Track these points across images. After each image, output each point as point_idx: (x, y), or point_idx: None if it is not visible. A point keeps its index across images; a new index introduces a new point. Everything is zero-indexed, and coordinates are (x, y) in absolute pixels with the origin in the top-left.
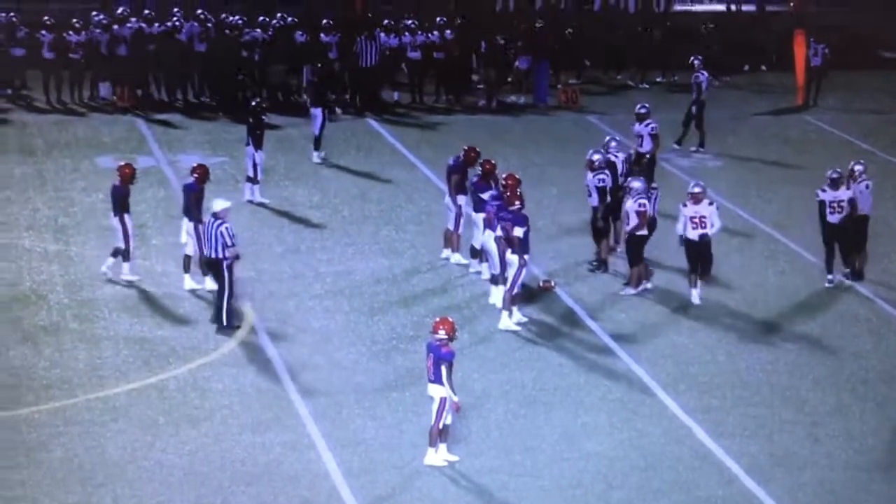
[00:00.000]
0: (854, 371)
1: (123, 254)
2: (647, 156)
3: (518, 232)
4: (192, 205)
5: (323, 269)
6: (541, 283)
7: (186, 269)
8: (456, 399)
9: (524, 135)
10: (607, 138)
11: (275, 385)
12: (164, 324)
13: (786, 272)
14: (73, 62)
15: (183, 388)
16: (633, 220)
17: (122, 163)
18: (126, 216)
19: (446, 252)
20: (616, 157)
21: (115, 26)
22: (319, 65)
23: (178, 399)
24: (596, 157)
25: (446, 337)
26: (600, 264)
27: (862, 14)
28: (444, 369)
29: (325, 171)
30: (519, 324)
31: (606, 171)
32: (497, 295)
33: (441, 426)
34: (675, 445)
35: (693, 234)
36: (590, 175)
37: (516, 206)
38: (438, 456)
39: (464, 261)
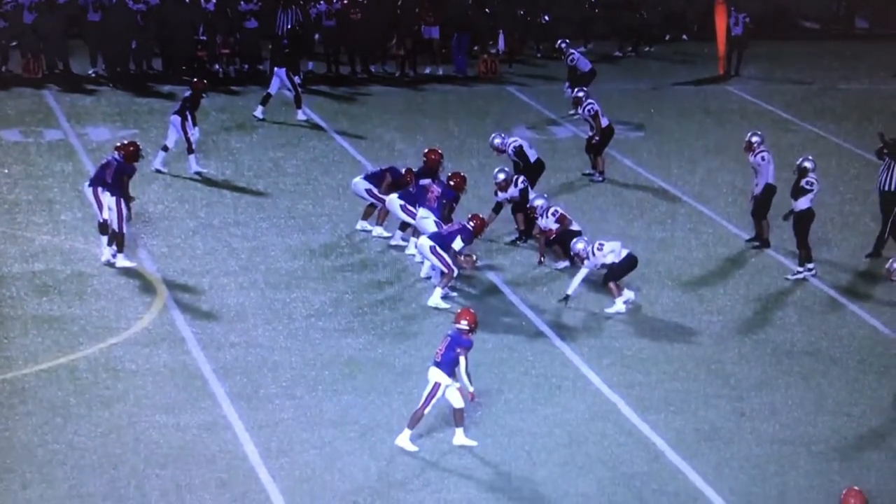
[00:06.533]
0: (779, 344)
1: (104, 228)
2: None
3: (457, 245)
4: (125, 184)
5: (237, 244)
6: (462, 258)
7: (120, 246)
8: (472, 389)
9: (442, 106)
10: (492, 134)
11: (189, 365)
12: (74, 302)
13: (709, 244)
14: None
15: (94, 368)
16: (554, 227)
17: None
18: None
19: (362, 223)
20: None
21: None
22: (290, 28)
23: (89, 380)
24: (501, 175)
25: (467, 327)
26: (521, 235)
27: None
28: (461, 358)
29: (238, 144)
30: (446, 298)
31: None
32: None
33: (426, 411)
34: (600, 421)
35: None
36: (509, 190)
37: (471, 226)
38: (405, 438)
39: (385, 234)
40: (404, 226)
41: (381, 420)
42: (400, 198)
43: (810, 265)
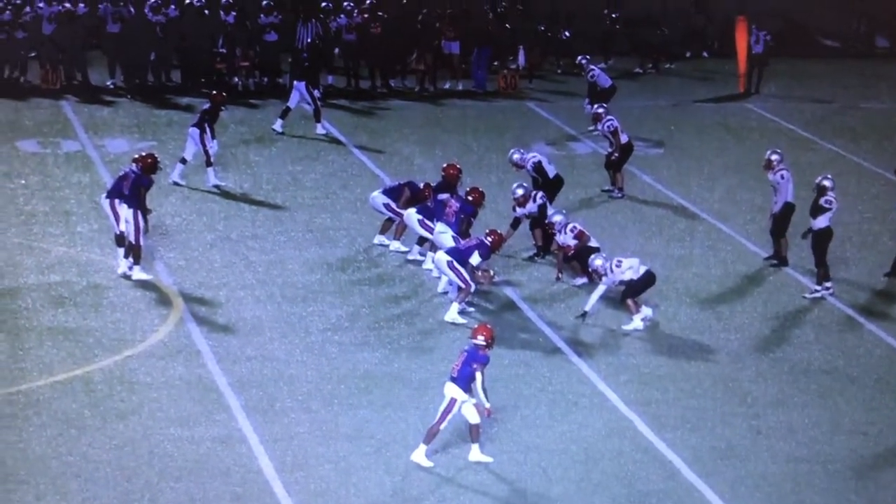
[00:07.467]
0: (796, 362)
1: (121, 240)
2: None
3: (474, 260)
4: (142, 196)
5: (254, 257)
6: (479, 273)
7: (137, 259)
8: (488, 405)
9: (461, 121)
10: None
11: (205, 378)
12: (90, 314)
13: (728, 262)
14: None
15: (109, 380)
16: (572, 243)
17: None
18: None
19: (380, 238)
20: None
21: (41, 4)
22: (310, 41)
23: (104, 392)
24: (520, 190)
25: (484, 343)
26: (539, 251)
27: (803, 1)
28: (477, 373)
29: (257, 157)
30: (463, 313)
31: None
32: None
33: (441, 426)
34: (616, 438)
35: None
36: (528, 206)
37: (489, 241)
38: (420, 454)
39: (403, 248)
40: (422, 240)
41: (396, 435)
42: (418, 212)
43: (828, 284)
